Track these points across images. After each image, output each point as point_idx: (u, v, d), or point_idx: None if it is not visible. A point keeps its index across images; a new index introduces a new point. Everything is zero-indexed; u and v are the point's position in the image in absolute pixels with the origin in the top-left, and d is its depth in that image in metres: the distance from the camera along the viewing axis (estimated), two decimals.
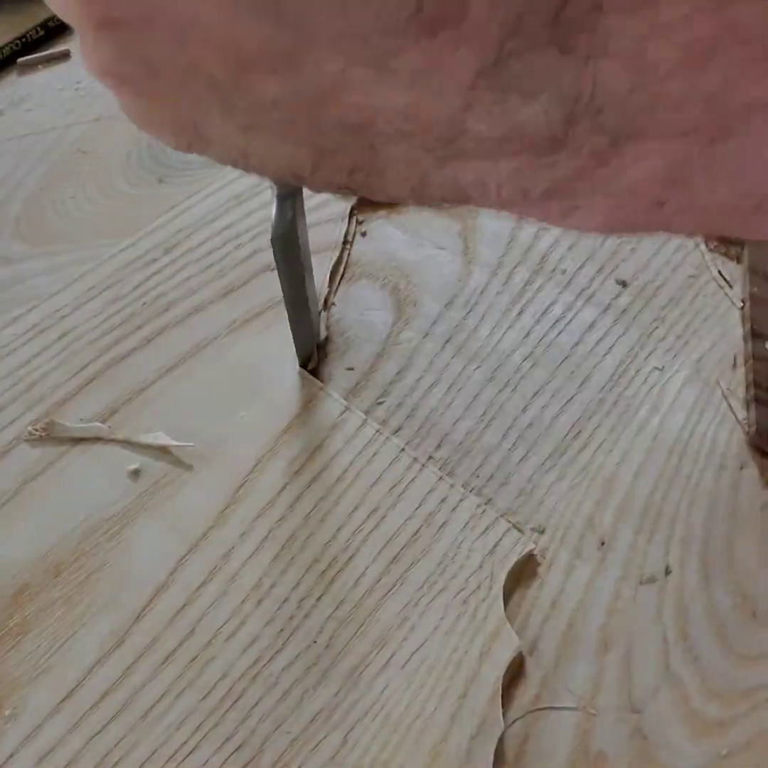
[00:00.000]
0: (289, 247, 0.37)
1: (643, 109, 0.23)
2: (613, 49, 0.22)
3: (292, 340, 0.41)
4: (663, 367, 0.42)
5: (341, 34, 0.23)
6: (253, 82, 0.25)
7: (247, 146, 0.28)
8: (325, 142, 0.26)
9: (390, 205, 0.48)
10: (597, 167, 0.24)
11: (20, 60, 0.58)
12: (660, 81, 0.22)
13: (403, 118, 0.24)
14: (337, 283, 0.45)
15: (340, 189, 0.28)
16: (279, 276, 0.38)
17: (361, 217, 0.48)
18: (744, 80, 0.22)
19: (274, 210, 0.36)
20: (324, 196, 0.47)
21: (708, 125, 0.23)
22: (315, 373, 0.41)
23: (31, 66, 0.58)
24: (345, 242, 0.47)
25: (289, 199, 0.36)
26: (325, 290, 0.44)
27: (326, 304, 0.44)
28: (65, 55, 0.58)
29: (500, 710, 0.31)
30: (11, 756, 0.30)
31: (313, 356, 0.42)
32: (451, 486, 0.37)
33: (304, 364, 0.41)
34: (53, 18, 0.59)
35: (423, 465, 0.37)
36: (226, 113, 0.27)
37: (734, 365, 0.42)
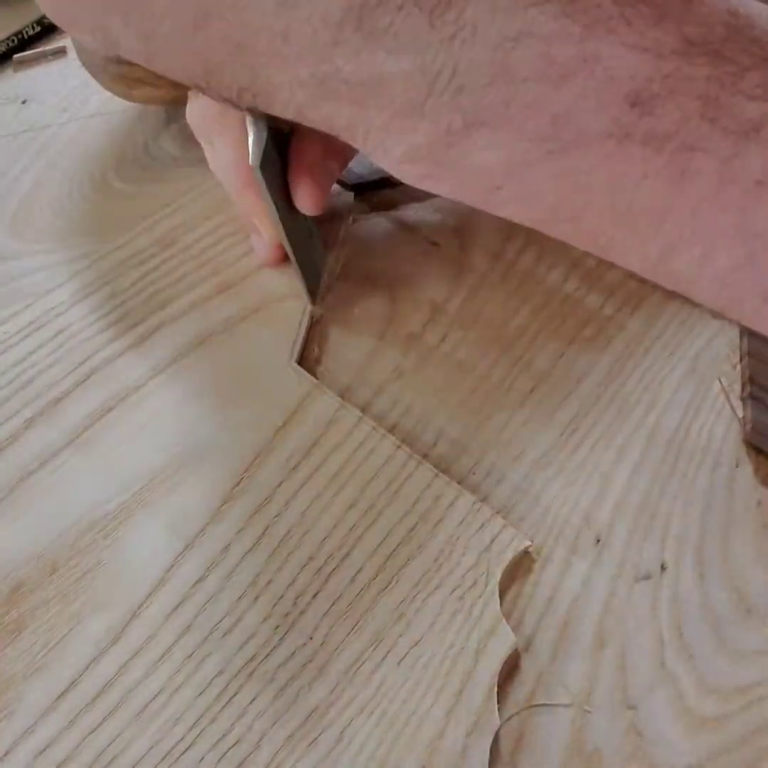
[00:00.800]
0: (272, 173, 0.37)
1: (498, 104, 0.25)
2: (480, 40, 0.24)
3: (287, 335, 0.41)
4: (659, 364, 0.42)
5: None
6: None
7: (148, 52, 0.30)
8: (211, 55, 0.28)
9: (386, 203, 0.48)
10: (449, 146, 0.26)
11: (16, 56, 0.58)
12: (517, 84, 0.24)
13: (281, 40, 0.26)
14: (332, 279, 0.45)
15: (236, 105, 0.30)
16: (269, 206, 0.38)
17: (356, 215, 0.48)
18: (587, 110, 0.24)
19: (250, 136, 0.36)
20: None
21: (550, 138, 0.25)
22: (311, 369, 0.41)
23: (27, 62, 0.58)
24: (340, 239, 0.47)
25: (261, 121, 0.36)
26: (322, 287, 0.44)
27: (324, 300, 0.44)
28: (61, 52, 0.58)
29: (496, 707, 0.31)
30: (7, 753, 0.30)
31: (321, 290, 0.43)
32: (447, 483, 0.37)
33: (314, 299, 0.43)
34: None
35: (419, 462, 0.37)
36: (126, 20, 0.29)
37: (731, 362, 0.42)
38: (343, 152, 0.41)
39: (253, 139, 0.36)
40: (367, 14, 0.25)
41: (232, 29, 0.27)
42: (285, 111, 0.29)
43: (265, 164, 0.36)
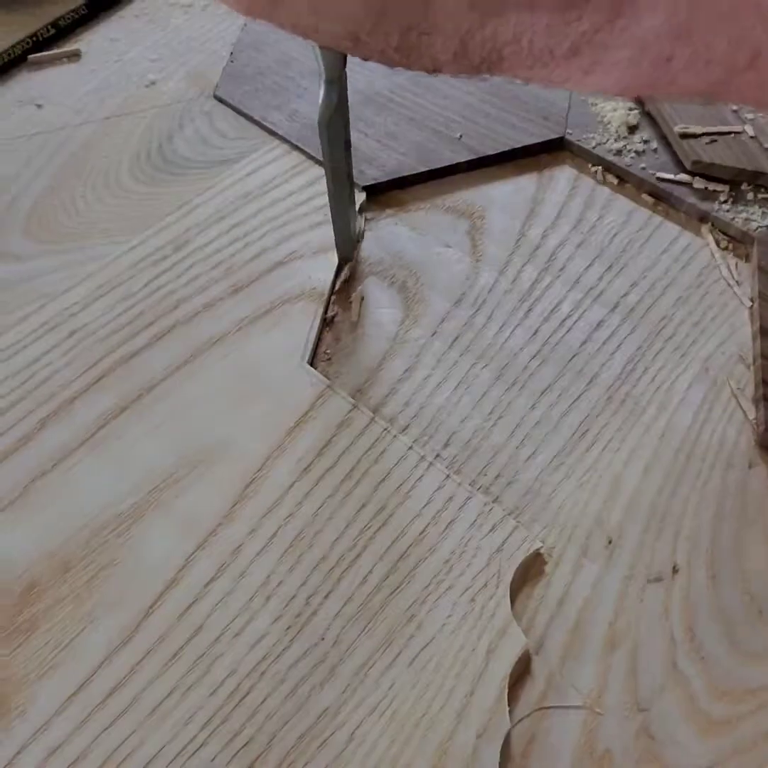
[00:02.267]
0: (334, 133, 0.40)
1: None
2: None
3: (299, 336, 0.41)
4: (671, 365, 0.42)
5: None
6: None
7: (313, 7, 0.30)
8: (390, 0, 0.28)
9: (398, 204, 0.49)
10: (615, 18, 0.26)
11: (31, 57, 0.58)
12: None
13: None
14: (344, 281, 0.45)
15: (390, 53, 0.30)
16: (324, 163, 0.41)
17: (369, 216, 0.48)
18: None
19: (321, 94, 0.38)
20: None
21: None
22: (323, 370, 0.41)
23: (42, 64, 0.58)
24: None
25: (335, 83, 0.38)
26: (333, 288, 0.44)
27: (332, 303, 0.44)
28: (76, 55, 0.59)
29: (507, 708, 0.31)
30: (20, 752, 0.30)
31: (353, 253, 0.45)
32: (459, 484, 0.37)
33: (344, 259, 0.45)
34: (64, 17, 0.60)
35: (430, 463, 0.37)
36: None
37: (744, 364, 0.42)
38: None
39: (323, 99, 0.38)
40: None
41: None
42: (447, 46, 0.29)
43: (330, 123, 0.39)
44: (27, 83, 0.57)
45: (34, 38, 0.59)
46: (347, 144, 0.41)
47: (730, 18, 0.26)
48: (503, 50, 0.29)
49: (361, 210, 0.48)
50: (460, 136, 0.51)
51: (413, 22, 0.29)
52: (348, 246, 0.45)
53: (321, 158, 0.49)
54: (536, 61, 0.28)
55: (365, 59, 0.31)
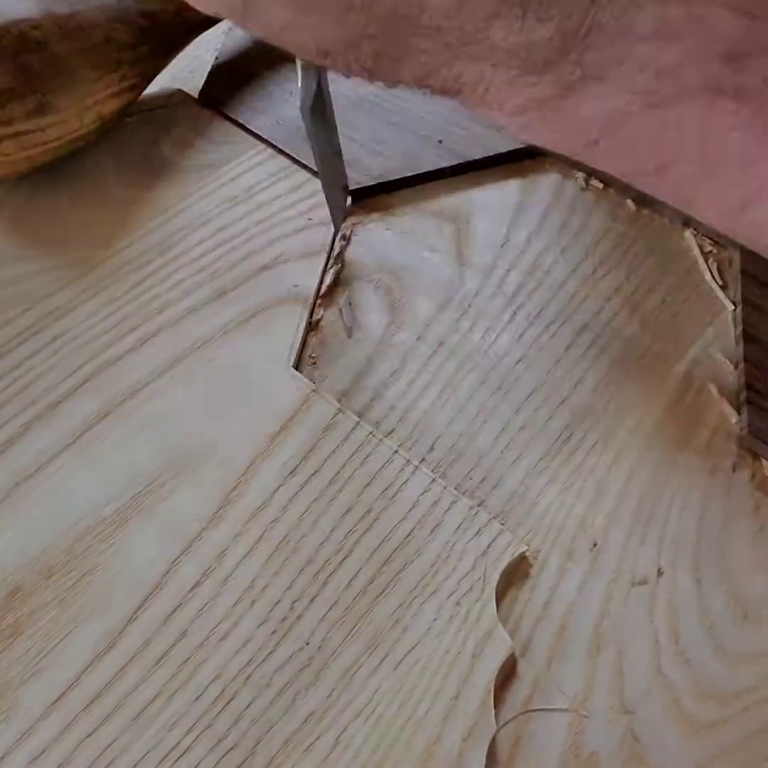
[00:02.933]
0: (317, 117, 0.40)
1: (616, 59, 0.27)
2: (614, 3, 0.26)
3: (284, 340, 0.41)
4: (655, 369, 0.42)
5: None
6: None
7: (289, 22, 0.30)
8: (370, 28, 0.29)
9: (383, 209, 0.49)
10: (563, 99, 0.28)
11: None
12: (636, 40, 0.26)
13: (444, 16, 0.27)
14: (329, 285, 0.45)
15: (357, 71, 0.31)
16: (311, 146, 0.42)
17: (354, 219, 0.48)
18: (688, 66, 0.26)
19: (299, 83, 0.39)
20: (317, 200, 0.47)
21: (653, 92, 0.27)
22: (309, 374, 0.41)
23: None
24: (338, 244, 0.47)
25: (312, 70, 0.39)
26: (318, 292, 0.44)
27: (318, 307, 0.44)
28: None
29: (492, 712, 0.31)
30: (3, 757, 0.30)
31: (343, 214, 0.46)
32: (444, 488, 0.37)
33: (338, 228, 0.46)
34: None
35: (416, 467, 0.37)
36: None
37: (727, 368, 0.42)
38: None
39: (302, 85, 0.39)
40: None
41: (404, 4, 0.28)
42: (412, 73, 0.30)
43: (312, 108, 0.39)
44: None
45: None
46: (333, 129, 0.42)
47: (653, 143, 0.28)
48: (462, 89, 0.30)
49: (347, 214, 0.48)
50: (446, 141, 0.51)
51: (386, 49, 0.29)
52: (341, 215, 0.46)
53: (306, 162, 0.50)
54: (485, 106, 0.30)
55: (329, 68, 0.32)
